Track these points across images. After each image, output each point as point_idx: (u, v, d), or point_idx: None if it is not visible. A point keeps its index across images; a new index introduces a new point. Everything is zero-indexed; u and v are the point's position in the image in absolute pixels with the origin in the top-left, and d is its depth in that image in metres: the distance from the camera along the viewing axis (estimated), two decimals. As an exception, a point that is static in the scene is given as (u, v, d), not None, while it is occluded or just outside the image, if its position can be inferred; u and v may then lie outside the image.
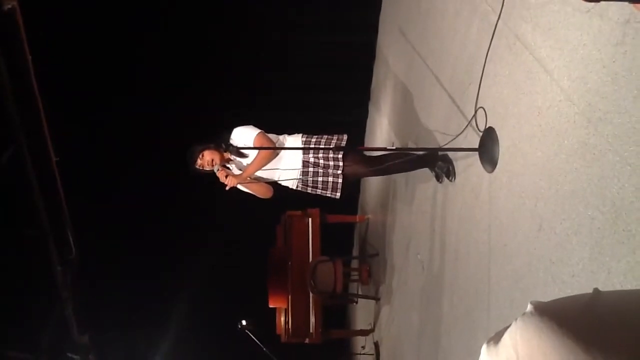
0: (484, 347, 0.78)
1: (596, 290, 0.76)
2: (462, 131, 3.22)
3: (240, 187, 3.93)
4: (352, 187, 5.05)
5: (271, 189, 3.99)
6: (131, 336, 6.81)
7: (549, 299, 2.32)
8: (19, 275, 4.83)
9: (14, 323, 4.80)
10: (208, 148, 3.79)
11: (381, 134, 6.16)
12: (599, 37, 1.97)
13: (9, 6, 4.13)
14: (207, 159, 3.78)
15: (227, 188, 3.84)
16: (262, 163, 3.79)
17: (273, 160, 3.84)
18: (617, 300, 0.75)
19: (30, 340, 5.04)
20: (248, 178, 3.86)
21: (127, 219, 6.35)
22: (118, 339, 6.62)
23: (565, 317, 0.69)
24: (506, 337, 0.74)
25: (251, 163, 3.80)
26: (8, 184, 4.48)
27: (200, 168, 3.82)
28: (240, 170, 3.92)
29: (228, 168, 3.94)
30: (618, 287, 1.79)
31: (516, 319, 0.74)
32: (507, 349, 0.72)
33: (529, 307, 0.73)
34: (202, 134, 3.96)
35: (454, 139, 3.30)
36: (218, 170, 3.80)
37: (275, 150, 3.79)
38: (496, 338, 0.77)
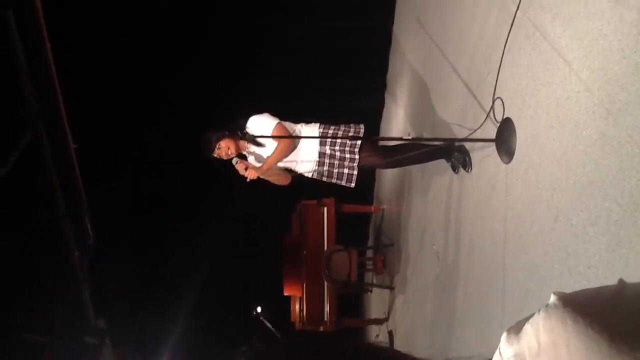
0: (504, 335, 0.78)
1: (621, 281, 0.76)
2: (481, 125, 3.20)
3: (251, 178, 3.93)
4: (366, 176, 5.04)
5: (289, 176, 3.99)
6: (146, 321, 6.89)
7: (564, 291, 2.30)
8: (37, 260, 4.89)
9: (32, 307, 4.88)
10: (224, 137, 3.74)
11: (397, 123, 6.14)
12: (620, 27, 1.95)
13: (29, -7, 4.15)
14: (224, 149, 3.74)
15: (247, 180, 3.83)
16: (282, 155, 3.76)
17: (293, 151, 3.83)
18: None
19: (47, 324, 5.11)
20: (268, 170, 3.85)
21: (144, 204, 6.40)
22: (134, 323, 6.70)
23: (590, 308, 0.69)
24: (528, 326, 0.74)
25: (271, 155, 3.77)
26: (27, 169, 4.53)
27: (217, 157, 3.81)
28: (257, 160, 3.91)
29: (245, 158, 3.94)
30: (636, 280, 1.78)
31: (539, 310, 0.74)
32: (528, 338, 0.72)
33: (552, 298, 0.73)
34: (217, 120, 3.95)
35: (473, 132, 3.28)
36: (237, 163, 3.77)
37: (294, 141, 3.77)
38: (517, 327, 0.76)
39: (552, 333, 0.69)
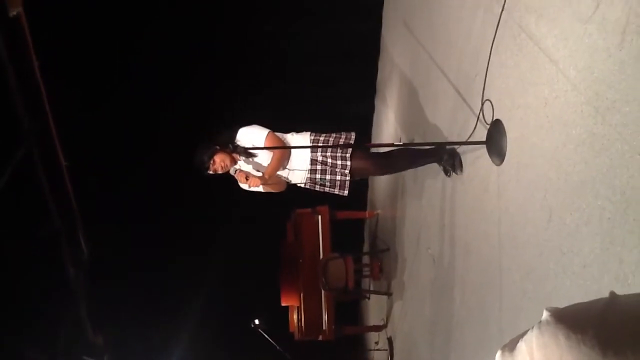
0: (498, 353, 0.78)
1: (612, 294, 0.75)
2: (473, 131, 3.19)
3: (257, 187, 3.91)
4: (360, 182, 5.04)
5: (284, 182, 3.98)
6: (145, 335, 6.85)
7: (560, 291, 2.30)
8: (32, 277, 4.87)
9: (30, 324, 4.85)
10: (217, 152, 3.70)
11: (388, 128, 6.15)
12: (605, 26, 1.95)
13: (15, 12, 4.15)
14: (218, 164, 3.70)
15: (249, 188, 3.81)
16: (279, 163, 3.75)
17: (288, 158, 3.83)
18: (633, 305, 0.74)
19: (45, 341, 5.08)
20: (271, 178, 3.80)
21: (138, 217, 6.38)
22: (132, 339, 6.66)
23: (582, 323, 0.68)
24: (522, 344, 0.73)
25: (270, 164, 3.75)
26: (20, 186, 4.52)
27: (213, 173, 3.76)
28: (256, 169, 3.88)
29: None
30: (630, 277, 1.78)
31: (532, 327, 0.74)
32: (522, 356, 0.72)
33: (545, 314, 0.73)
34: (207, 129, 3.93)
35: (467, 139, 3.28)
36: (235, 172, 3.74)
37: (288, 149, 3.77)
38: (511, 345, 0.76)
39: (546, 350, 0.68)
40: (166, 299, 7.02)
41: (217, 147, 3.71)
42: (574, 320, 0.69)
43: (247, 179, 3.72)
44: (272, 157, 3.74)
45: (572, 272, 2.12)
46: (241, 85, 6.32)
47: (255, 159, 3.83)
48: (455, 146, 3.59)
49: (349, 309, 8.14)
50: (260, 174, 3.82)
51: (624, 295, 0.76)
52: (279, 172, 3.89)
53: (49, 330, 5.16)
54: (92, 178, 5.68)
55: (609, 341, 0.64)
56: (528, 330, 0.76)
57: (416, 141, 4.61)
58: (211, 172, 3.75)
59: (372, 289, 6.73)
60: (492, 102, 2.96)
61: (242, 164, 3.88)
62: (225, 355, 7.67)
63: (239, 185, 3.88)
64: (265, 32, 6.16)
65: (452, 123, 3.71)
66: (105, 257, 5.98)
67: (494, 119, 2.95)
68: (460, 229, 3.56)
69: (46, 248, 5.06)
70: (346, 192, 3.88)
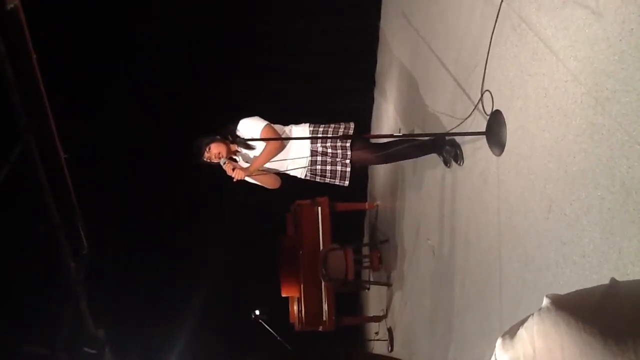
0: (499, 341, 0.78)
1: (613, 280, 0.76)
2: (469, 115, 3.20)
3: (247, 178, 3.93)
4: (359, 173, 5.04)
5: (279, 179, 3.99)
6: (146, 328, 6.87)
7: (560, 280, 2.31)
8: (33, 273, 4.88)
9: (31, 319, 4.86)
10: (214, 140, 3.75)
11: (388, 120, 6.14)
12: (605, 16, 1.95)
13: (12, 5, 4.14)
14: (214, 152, 3.74)
15: (234, 180, 3.84)
16: (269, 156, 3.77)
17: (281, 152, 3.83)
18: (633, 291, 0.75)
19: (47, 335, 5.09)
20: (256, 171, 3.85)
21: (138, 212, 6.38)
22: (133, 331, 6.67)
23: (582, 310, 0.69)
24: (522, 331, 0.74)
25: (259, 156, 3.78)
26: (19, 182, 4.51)
27: (208, 161, 3.80)
28: (247, 162, 3.91)
29: (235, 160, 3.93)
30: (630, 267, 1.78)
31: (532, 314, 0.74)
32: (523, 343, 0.72)
33: (545, 302, 0.73)
34: (208, 124, 3.94)
35: (461, 123, 3.29)
36: (225, 163, 3.78)
37: (282, 142, 3.77)
38: (511, 332, 0.76)
39: (547, 337, 0.69)
40: (167, 292, 7.03)
41: (217, 137, 3.77)
42: (574, 308, 0.70)
43: (233, 170, 3.76)
44: (263, 149, 3.76)
45: (572, 261, 2.13)
46: (240, 80, 6.31)
47: (251, 151, 3.85)
48: (455, 137, 3.59)
49: (349, 299, 8.17)
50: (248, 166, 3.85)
51: (625, 282, 0.76)
52: (276, 167, 3.89)
53: (50, 324, 5.18)
54: (92, 173, 5.68)
55: (610, 329, 0.65)
56: (528, 317, 0.76)
57: (416, 132, 4.61)
58: (205, 160, 3.79)
59: (372, 279, 6.75)
60: (492, 92, 2.96)
61: (238, 157, 3.91)
62: (226, 346, 7.69)
63: (229, 177, 3.88)
64: (265, 28, 6.14)
65: (452, 114, 3.71)
66: (106, 252, 5.99)
67: (494, 109, 2.95)
68: (459, 219, 3.57)
69: (46, 243, 5.07)
70: (347, 183, 3.90)
